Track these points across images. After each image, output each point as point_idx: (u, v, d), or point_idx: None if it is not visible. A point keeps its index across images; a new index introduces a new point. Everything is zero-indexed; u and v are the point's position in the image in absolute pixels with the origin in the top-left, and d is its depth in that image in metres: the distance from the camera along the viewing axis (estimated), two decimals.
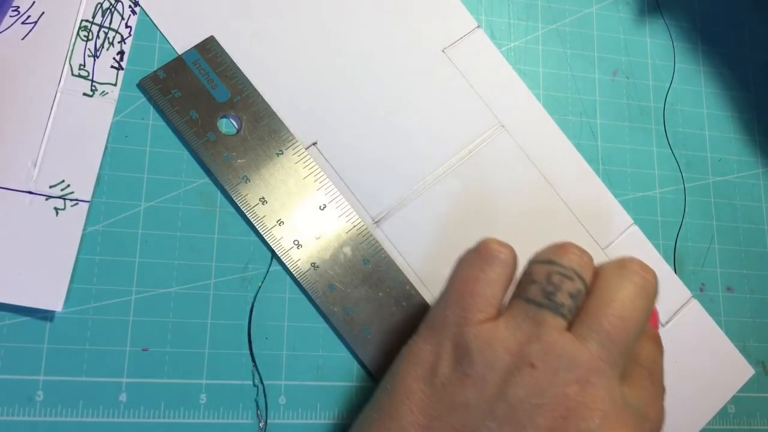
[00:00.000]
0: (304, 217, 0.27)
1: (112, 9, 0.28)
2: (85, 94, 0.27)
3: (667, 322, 0.30)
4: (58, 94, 0.26)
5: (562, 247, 0.24)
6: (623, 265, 0.24)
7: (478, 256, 0.24)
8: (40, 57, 0.26)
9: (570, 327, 0.22)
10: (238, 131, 0.28)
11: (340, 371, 0.27)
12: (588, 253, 0.24)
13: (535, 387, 0.21)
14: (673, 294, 0.30)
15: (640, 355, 0.24)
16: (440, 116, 0.30)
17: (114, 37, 0.28)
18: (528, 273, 0.23)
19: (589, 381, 0.21)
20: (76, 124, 0.26)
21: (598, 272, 0.24)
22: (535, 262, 0.24)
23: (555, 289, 0.22)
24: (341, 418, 0.26)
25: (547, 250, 0.24)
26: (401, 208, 0.29)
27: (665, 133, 0.33)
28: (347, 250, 0.27)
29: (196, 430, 0.25)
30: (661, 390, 0.24)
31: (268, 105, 0.28)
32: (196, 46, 0.28)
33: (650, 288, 0.23)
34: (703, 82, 0.34)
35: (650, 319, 0.24)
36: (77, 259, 0.25)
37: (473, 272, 0.23)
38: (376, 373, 0.26)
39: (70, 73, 0.27)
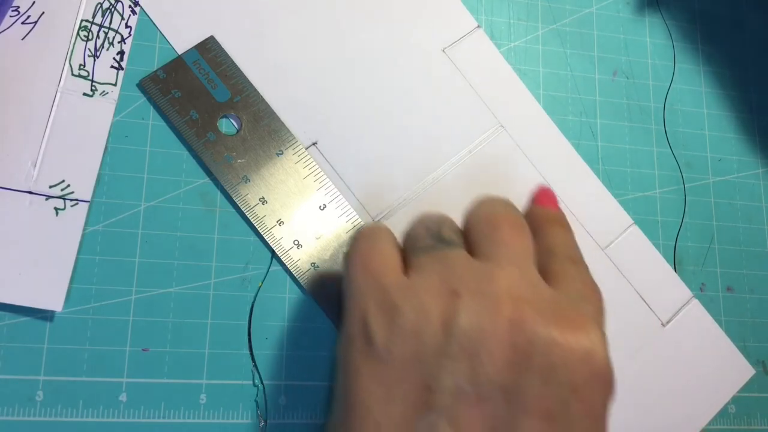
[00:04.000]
0: (304, 217, 0.27)
1: (112, 9, 0.28)
2: (85, 94, 0.27)
3: (667, 322, 0.30)
4: (58, 94, 0.26)
5: (420, 214, 0.25)
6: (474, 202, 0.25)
7: (359, 236, 0.24)
8: (40, 57, 0.26)
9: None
10: (238, 131, 0.28)
11: None
12: None
13: (470, 314, 0.20)
14: (674, 294, 0.30)
15: (554, 244, 0.24)
16: (440, 116, 0.30)
17: (114, 37, 0.28)
18: (408, 236, 0.24)
19: (514, 292, 0.21)
20: (76, 124, 0.26)
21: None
22: (407, 230, 0.24)
23: (438, 229, 0.23)
24: None
25: (411, 222, 0.25)
26: (401, 207, 0.29)
27: (665, 133, 0.33)
28: (347, 250, 0.27)
29: (196, 430, 0.25)
30: (585, 268, 0.24)
31: (268, 105, 0.28)
32: (196, 46, 0.28)
33: (496, 198, 0.24)
34: (703, 82, 0.34)
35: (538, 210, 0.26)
36: (77, 259, 0.25)
37: (364, 245, 0.23)
38: None
39: (70, 73, 0.27)
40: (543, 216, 0.26)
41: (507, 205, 0.24)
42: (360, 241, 0.23)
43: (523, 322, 0.20)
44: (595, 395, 0.20)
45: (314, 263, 0.27)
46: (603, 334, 0.21)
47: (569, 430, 0.20)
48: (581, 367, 0.20)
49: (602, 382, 0.20)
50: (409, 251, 0.23)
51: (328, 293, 0.27)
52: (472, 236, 0.23)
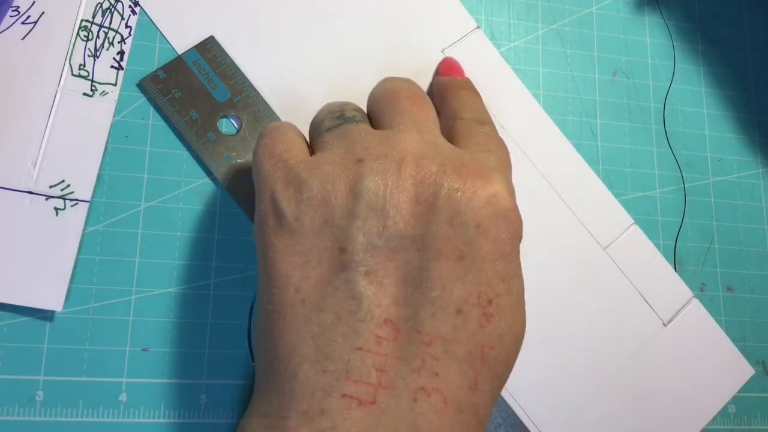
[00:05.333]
0: None
1: (112, 9, 0.28)
2: (85, 94, 0.27)
3: (669, 322, 0.30)
4: (58, 94, 0.26)
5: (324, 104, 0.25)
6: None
7: (264, 132, 0.24)
8: (40, 57, 0.26)
9: None
10: (238, 131, 0.28)
11: None
12: None
13: (374, 175, 0.21)
14: (674, 294, 0.30)
15: (459, 108, 0.26)
16: None
17: (114, 37, 0.28)
18: (312, 122, 0.25)
19: (416, 152, 0.22)
20: (76, 124, 0.26)
21: None
22: (312, 119, 0.25)
23: (340, 110, 0.24)
24: None
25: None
26: None
27: (665, 133, 0.33)
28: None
29: (196, 430, 0.25)
30: (490, 126, 0.26)
31: (268, 105, 0.28)
32: (196, 46, 0.28)
33: (396, 77, 0.26)
34: (703, 82, 0.34)
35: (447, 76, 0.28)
36: (77, 259, 0.25)
37: (268, 137, 0.23)
38: None
39: (70, 73, 0.27)
40: (448, 83, 0.28)
41: (406, 80, 0.25)
42: (264, 135, 0.24)
43: (426, 176, 0.21)
44: (501, 233, 0.21)
45: None
46: (506, 181, 0.22)
47: (479, 267, 0.21)
48: (485, 207, 0.21)
49: (507, 221, 0.21)
50: (314, 135, 0.24)
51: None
52: (374, 112, 0.24)
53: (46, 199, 0.25)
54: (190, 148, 0.27)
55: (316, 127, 0.24)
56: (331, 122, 0.23)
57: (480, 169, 0.22)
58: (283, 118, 0.28)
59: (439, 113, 0.26)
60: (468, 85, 0.28)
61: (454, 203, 0.21)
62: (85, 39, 0.27)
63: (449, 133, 0.25)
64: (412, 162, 0.21)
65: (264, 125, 0.28)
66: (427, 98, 0.25)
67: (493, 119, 0.30)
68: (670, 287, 0.31)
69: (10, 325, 0.25)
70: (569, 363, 0.29)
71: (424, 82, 0.30)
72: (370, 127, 0.23)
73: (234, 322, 0.26)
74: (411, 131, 0.22)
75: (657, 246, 0.31)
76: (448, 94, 0.27)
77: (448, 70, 0.29)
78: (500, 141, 0.25)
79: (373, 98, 0.25)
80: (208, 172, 0.27)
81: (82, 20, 0.27)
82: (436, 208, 0.21)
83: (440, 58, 0.31)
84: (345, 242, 0.20)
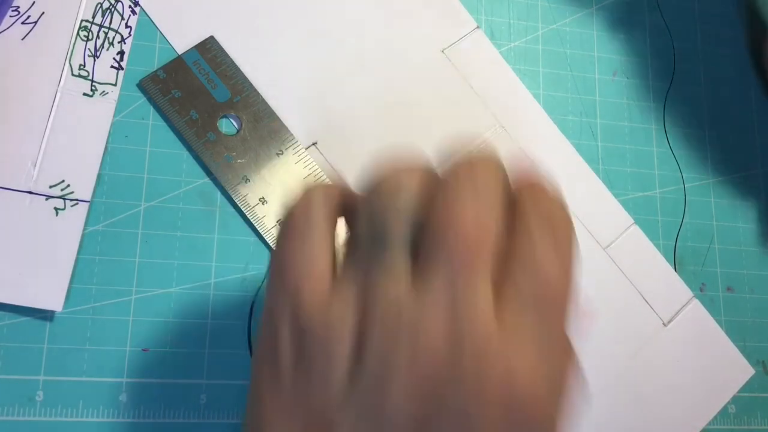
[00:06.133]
0: None
1: (112, 9, 0.28)
2: (85, 94, 0.27)
3: (669, 322, 0.30)
4: (58, 94, 0.26)
5: (381, 173, 0.18)
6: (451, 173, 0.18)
7: (287, 223, 0.19)
8: (40, 57, 0.26)
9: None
10: (238, 131, 0.28)
11: None
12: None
13: (375, 367, 0.16)
14: (674, 294, 0.30)
15: (523, 280, 0.17)
16: (440, 117, 0.30)
17: (114, 37, 0.28)
18: (355, 214, 0.18)
19: (432, 346, 0.16)
20: (76, 124, 0.26)
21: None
22: (360, 196, 0.18)
23: (382, 218, 0.17)
24: None
25: (368, 183, 0.18)
26: None
27: (665, 133, 0.33)
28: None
29: (196, 430, 0.25)
30: (557, 316, 0.17)
31: (268, 105, 0.28)
32: (196, 46, 0.28)
33: (483, 186, 0.17)
34: (703, 82, 0.34)
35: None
36: (77, 259, 0.25)
37: (287, 241, 0.18)
38: None
39: (70, 73, 0.27)
40: (540, 213, 0.18)
41: (480, 196, 0.17)
42: (285, 234, 0.19)
43: (432, 389, 0.16)
44: None
45: None
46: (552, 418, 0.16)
47: None
48: None
49: None
50: (346, 239, 0.19)
51: None
52: (425, 232, 0.17)
53: (46, 199, 0.25)
54: (190, 148, 0.27)
55: (352, 229, 0.19)
56: (364, 240, 0.18)
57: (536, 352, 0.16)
58: (283, 118, 0.28)
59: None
60: (543, 183, 0.19)
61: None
62: (85, 39, 0.27)
63: (501, 280, 0.17)
64: (424, 363, 0.16)
65: (264, 124, 0.28)
66: (495, 235, 0.17)
67: (493, 120, 0.30)
68: (670, 287, 0.31)
69: (10, 325, 0.25)
70: None
71: (426, 83, 0.30)
72: (403, 271, 0.17)
73: (234, 322, 0.26)
74: (443, 303, 0.16)
75: (657, 246, 0.31)
76: (527, 230, 0.17)
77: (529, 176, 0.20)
78: (562, 341, 0.17)
79: (434, 218, 0.17)
80: (208, 172, 0.27)
81: (82, 20, 0.27)
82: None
83: (440, 58, 0.31)
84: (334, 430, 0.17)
